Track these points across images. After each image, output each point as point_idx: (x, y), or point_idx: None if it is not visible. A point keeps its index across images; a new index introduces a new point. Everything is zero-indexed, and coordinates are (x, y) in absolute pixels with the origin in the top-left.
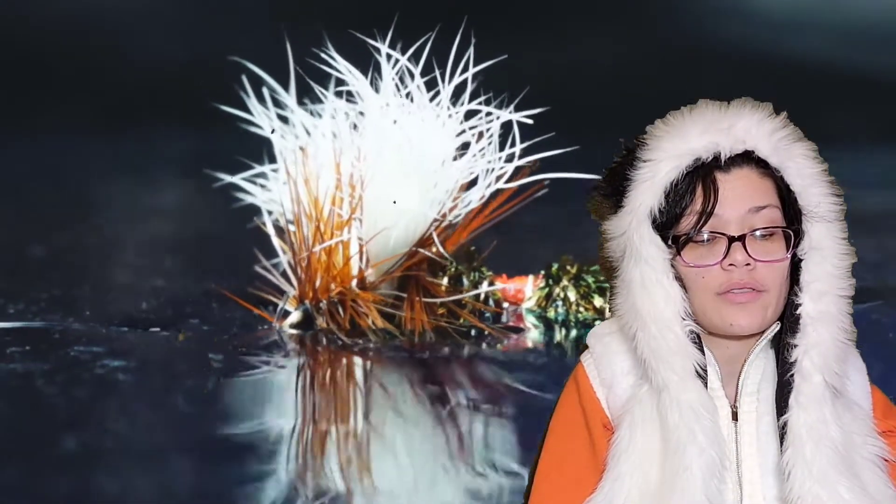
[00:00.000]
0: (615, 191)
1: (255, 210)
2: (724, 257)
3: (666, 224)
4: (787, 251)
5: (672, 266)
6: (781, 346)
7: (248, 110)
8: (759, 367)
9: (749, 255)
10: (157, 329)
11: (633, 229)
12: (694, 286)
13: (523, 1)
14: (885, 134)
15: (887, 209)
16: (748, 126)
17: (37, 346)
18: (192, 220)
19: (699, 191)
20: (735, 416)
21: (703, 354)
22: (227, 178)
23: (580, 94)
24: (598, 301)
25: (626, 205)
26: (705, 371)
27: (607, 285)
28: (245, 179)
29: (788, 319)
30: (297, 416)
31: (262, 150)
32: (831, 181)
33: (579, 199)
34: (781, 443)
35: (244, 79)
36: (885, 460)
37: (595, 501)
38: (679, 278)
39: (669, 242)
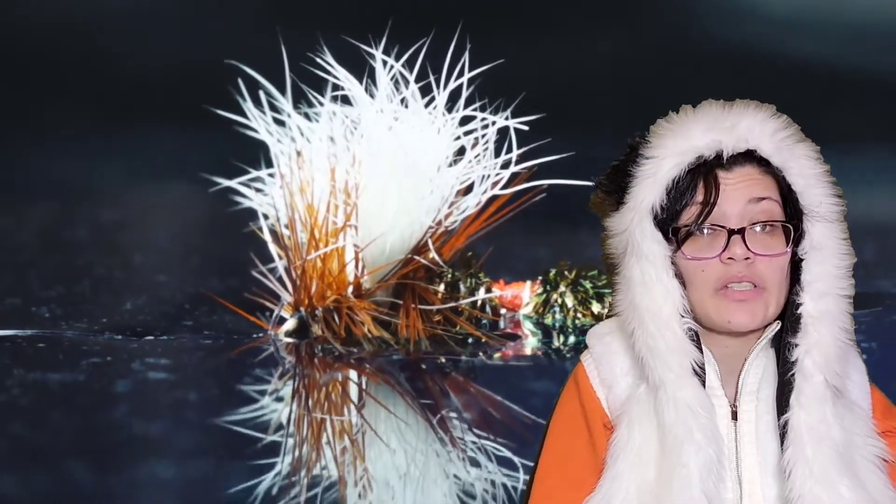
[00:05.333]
0: (617, 187)
1: (251, 214)
2: (724, 250)
3: (667, 220)
4: (787, 246)
5: (672, 263)
6: (782, 346)
7: (244, 114)
8: (760, 367)
9: (748, 249)
10: (152, 337)
11: (634, 225)
12: (693, 280)
13: (519, 6)
14: (886, 134)
15: (889, 209)
16: (751, 125)
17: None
18: (189, 223)
19: (700, 186)
20: (734, 416)
21: (702, 353)
22: (224, 182)
23: (577, 100)
24: (595, 307)
25: (628, 201)
26: (703, 369)
27: (605, 291)
28: (241, 183)
29: (789, 319)
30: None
31: (258, 154)
32: (833, 182)
33: (576, 205)
34: (782, 442)
35: (241, 82)
36: (885, 461)
37: (594, 500)
38: (679, 275)
39: (670, 235)
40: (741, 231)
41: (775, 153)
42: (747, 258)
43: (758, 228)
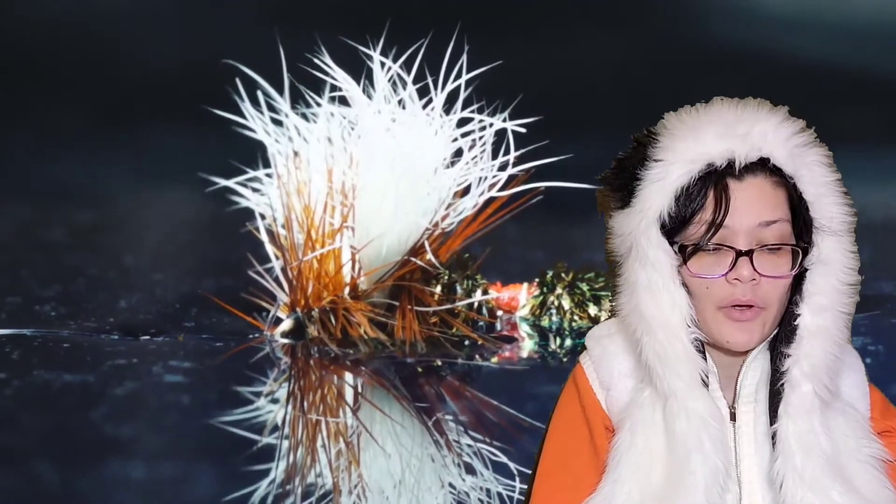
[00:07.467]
0: (623, 186)
1: (249, 214)
2: (730, 270)
3: (674, 230)
4: (793, 267)
5: (678, 272)
6: (775, 354)
7: (242, 114)
8: (757, 370)
9: (755, 271)
10: (148, 337)
11: (640, 231)
12: (697, 295)
13: (517, 7)
14: (886, 134)
15: (888, 210)
16: (765, 131)
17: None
18: (185, 223)
19: (710, 198)
20: (733, 418)
21: (706, 361)
22: (222, 182)
23: (575, 101)
24: (592, 309)
25: (634, 204)
26: (708, 377)
27: (602, 293)
28: (239, 183)
29: (785, 328)
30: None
31: (256, 154)
32: (844, 191)
33: (573, 207)
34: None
35: (238, 82)
36: (884, 461)
37: (594, 502)
38: (685, 284)
39: (676, 251)
40: (749, 253)
41: (788, 161)
42: (753, 279)
43: (766, 248)
